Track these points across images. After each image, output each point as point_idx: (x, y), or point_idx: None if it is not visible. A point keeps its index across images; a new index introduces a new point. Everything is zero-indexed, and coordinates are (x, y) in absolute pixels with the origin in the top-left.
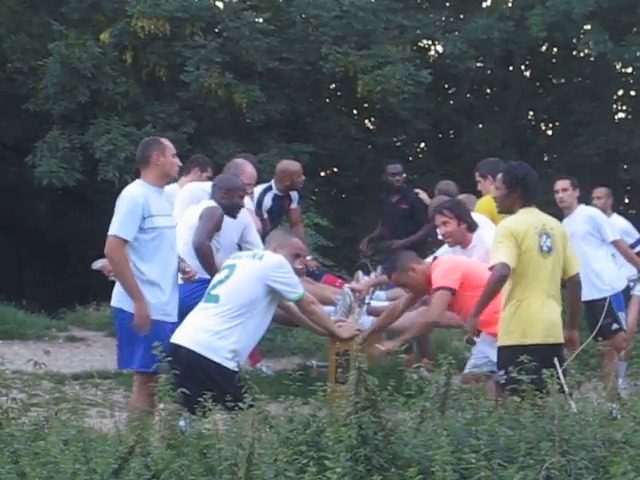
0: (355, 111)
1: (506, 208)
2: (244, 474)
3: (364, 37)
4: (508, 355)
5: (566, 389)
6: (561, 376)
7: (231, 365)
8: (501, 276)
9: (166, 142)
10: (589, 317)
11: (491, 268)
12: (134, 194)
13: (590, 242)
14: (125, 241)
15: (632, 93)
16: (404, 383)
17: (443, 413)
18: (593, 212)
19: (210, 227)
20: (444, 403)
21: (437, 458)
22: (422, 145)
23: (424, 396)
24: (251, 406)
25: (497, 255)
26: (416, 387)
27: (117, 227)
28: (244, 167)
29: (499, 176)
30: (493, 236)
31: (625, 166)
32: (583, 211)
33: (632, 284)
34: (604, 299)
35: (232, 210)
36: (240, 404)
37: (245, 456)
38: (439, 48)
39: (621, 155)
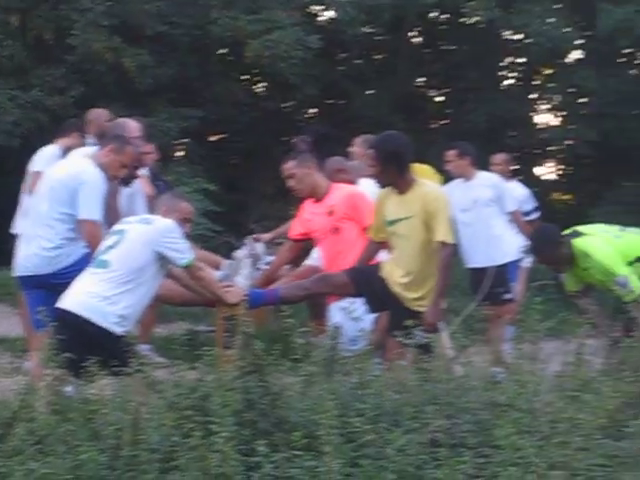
0: (245, 76)
1: (386, 183)
2: (130, 439)
3: (254, 2)
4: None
5: (451, 353)
6: (446, 340)
7: (119, 330)
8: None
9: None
10: (478, 283)
11: (445, 245)
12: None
13: (492, 209)
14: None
15: (519, 60)
16: (291, 347)
17: (329, 377)
18: (497, 180)
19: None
20: (330, 367)
21: (323, 422)
22: (312, 110)
23: (310, 360)
24: (137, 371)
25: (449, 232)
26: (303, 351)
27: (93, 210)
28: (127, 124)
29: (370, 152)
30: (441, 205)
31: (512, 133)
32: (486, 178)
33: (522, 256)
34: (502, 266)
35: (126, 180)
36: (126, 369)
37: (130, 421)
38: (329, 13)
39: (508, 122)
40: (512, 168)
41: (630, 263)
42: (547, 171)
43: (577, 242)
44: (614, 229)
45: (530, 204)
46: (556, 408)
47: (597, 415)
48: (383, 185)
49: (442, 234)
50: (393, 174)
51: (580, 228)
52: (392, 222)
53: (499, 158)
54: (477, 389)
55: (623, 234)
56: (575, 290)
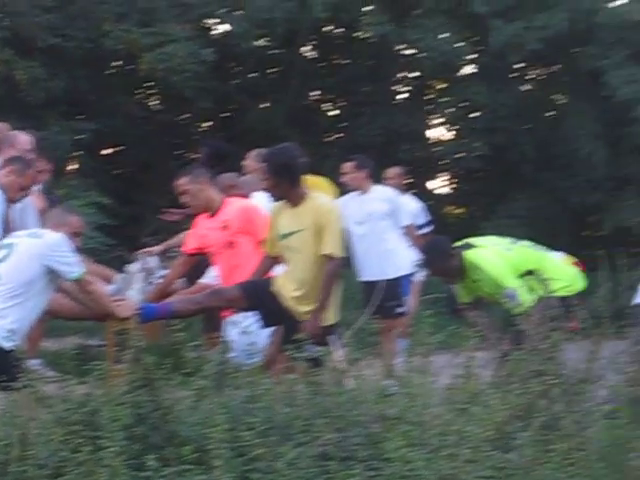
0: (139, 89)
1: (279, 196)
2: (18, 454)
3: (147, 15)
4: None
5: (342, 366)
6: (338, 353)
7: (7, 345)
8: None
9: None
10: (371, 296)
11: (332, 258)
12: None
13: (386, 223)
14: None
15: (413, 75)
16: (182, 361)
17: (220, 391)
18: (392, 194)
19: None
20: (221, 381)
21: (213, 436)
22: (206, 124)
23: (201, 374)
24: (26, 386)
25: (338, 245)
26: (194, 365)
27: None
28: (17, 137)
29: (263, 165)
30: (332, 218)
31: (406, 146)
32: (381, 192)
33: (416, 269)
34: (395, 279)
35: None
36: (15, 384)
37: (19, 436)
38: (224, 27)
39: (402, 135)
40: (406, 182)
41: (521, 276)
42: (440, 185)
43: (468, 254)
44: (506, 242)
45: (423, 218)
46: (445, 420)
47: (485, 427)
48: (276, 198)
49: (329, 247)
50: (285, 187)
51: (472, 240)
52: (285, 235)
53: (393, 172)
54: (368, 402)
55: (514, 247)
56: (467, 302)
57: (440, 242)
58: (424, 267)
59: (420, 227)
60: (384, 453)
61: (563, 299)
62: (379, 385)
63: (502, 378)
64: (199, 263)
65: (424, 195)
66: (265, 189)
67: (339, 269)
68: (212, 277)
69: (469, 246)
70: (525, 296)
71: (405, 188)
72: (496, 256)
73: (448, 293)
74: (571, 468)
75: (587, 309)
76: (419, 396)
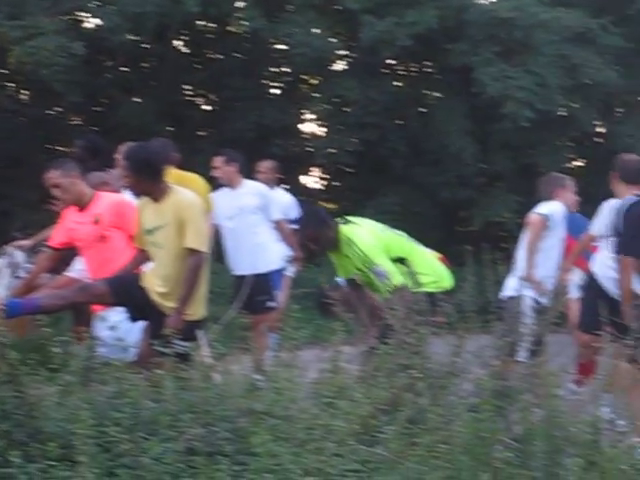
0: (9, 82)
1: (141, 192)
2: None
3: (16, 7)
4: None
5: (209, 361)
6: (205, 348)
7: None
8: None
9: None
10: (241, 289)
11: (194, 252)
12: None
13: (257, 217)
14: None
15: (285, 70)
16: (48, 357)
17: (86, 387)
18: (263, 188)
19: None
20: (87, 376)
21: (78, 432)
22: (77, 118)
23: (67, 370)
24: None
25: (200, 239)
26: (60, 361)
27: None
28: None
29: (124, 163)
30: (193, 212)
31: (279, 141)
32: (252, 186)
33: (286, 264)
34: (266, 274)
35: None
36: None
37: None
38: (95, 21)
39: (275, 130)
40: (278, 176)
41: (392, 260)
42: (313, 180)
43: (344, 229)
44: (381, 226)
45: (295, 213)
46: (312, 415)
47: (351, 421)
48: (138, 194)
49: (191, 241)
50: (147, 183)
51: (350, 217)
52: (149, 231)
53: (265, 166)
54: (235, 397)
55: (388, 232)
56: (347, 278)
57: (319, 210)
58: (299, 229)
59: (292, 222)
60: (250, 447)
61: (430, 294)
62: (246, 380)
63: (368, 372)
64: (65, 257)
65: (297, 190)
66: (127, 186)
67: (202, 263)
68: (78, 270)
69: (346, 221)
70: (395, 276)
71: (277, 182)
72: (370, 234)
73: (317, 288)
74: (436, 461)
75: (453, 303)
76: (286, 390)
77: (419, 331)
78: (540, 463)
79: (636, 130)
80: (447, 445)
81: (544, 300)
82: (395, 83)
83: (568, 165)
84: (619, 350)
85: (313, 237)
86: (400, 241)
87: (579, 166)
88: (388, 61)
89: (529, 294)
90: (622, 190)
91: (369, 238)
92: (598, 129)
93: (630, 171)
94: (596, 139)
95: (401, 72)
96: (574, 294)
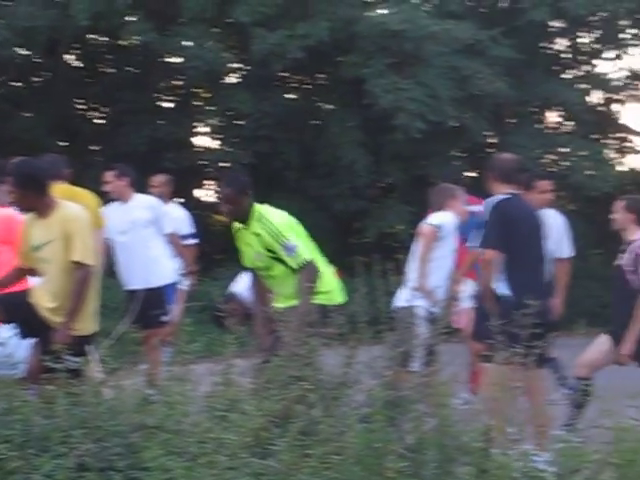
0: None
1: (27, 208)
2: None
3: None
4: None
5: (100, 376)
6: (95, 363)
7: None
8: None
9: None
10: (132, 304)
11: (81, 265)
12: None
13: (149, 231)
14: None
15: (178, 83)
16: None
17: None
18: (154, 202)
19: None
20: None
21: None
22: None
23: None
24: None
25: (87, 252)
26: None
27: None
28: None
29: (10, 179)
30: (79, 225)
31: (172, 155)
32: (144, 200)
33: (180, 278)
34: (160, 288)
35: None
36: None
37: None
38: None
39: (168, 144)
40: (171, 190)
41: None
42: (206, 193)
43: (258, 206)
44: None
45: (188, 228)
46: (204, 428)
47: (243, 434)
48: (23, 210)
49: (78, 254)
50: (32, 199)
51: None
52: (37, 247)
53: (158, 180)
54: (127, 412)
55: (299, 227)
56: (252, 267)
57: (244, 179)
58: (220, 191)
59: (185, 237)
60: (143, 462)
61: (322, 306)
62: (138, 394)
63: (261, 385)
64: None
65: (191, 204)
66: (12, 202)
67: (89, 277)
68: None
69: (262, 203)
70: (304, 251)
71: (170, 196)
72: (282, 217)
73: (213, 301)
74: (328, 472)
75: (344, 315)
76: (178, 404)
77: (311, 343)
78: (432, 472)
79: (527, 140)
80: (339, 456)
81: (436, 310)
82: (288, 95)
83: (460, 176)
84: (511, 357)
85: (230, 199)
86: (307, 241)
87: (472, 177)
88: (281, 74)
89: (421, 304)
90: (498, 189)
91: (280, 217)
92: (490, 140)
93: (506, 170)
94: (488, 150)
95: (294, 84)
96: (467, 304)
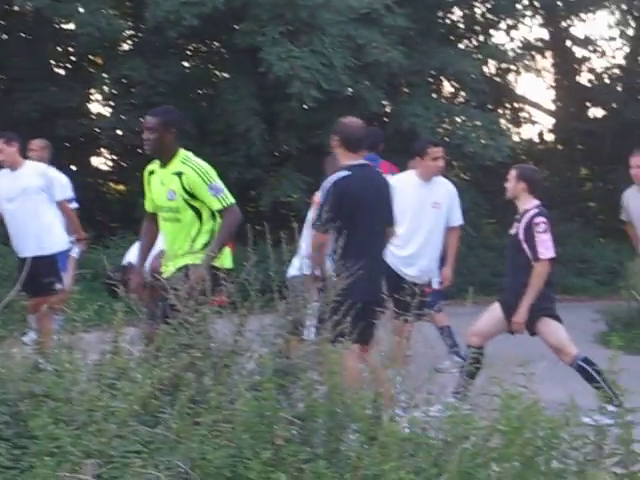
0: None
1: None
2: None
3: None
4: None
5: None
6: None
7: None
8: None
9: None
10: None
11: None
12: None
13: (41, 197)
14: None
15: (71, 50)
16: None
17: None
18: (45, 168)
19: None
20: None
21: None
22: None
23: None
24: None
25: None
26: None
27: None
28: None
29: None
30: None
31: (65, 122)
32: (35, 166)
33: (71, 246)
34: (52, 255)
35: None
36: None
37: None
38: None
39: (60, 111)
40: (49, 155)
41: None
42: (102, 161)
43: (183, 150)
44: None
45: (70, 192)
46: (92, 397)
47: (132, 402)
48: None
49: None
50: None
51: None
52: None
53: (36, 144)
54: (15, 380)
55: None
56: (155, 211)
57: (175, 114)
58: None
59: (68, 202)
60: (30, 431)
61: (213, 274)
62: (27, 362)
63: (150, 353)
64: None
65: (87, 171)
66: None
67: None
68: None
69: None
70: (229, 195)
71: (49, 162)
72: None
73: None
74: (218, 440)
75: (236, 283)
76: (67, 373)
77: (201, 310)
78: (322, 439)
79: (422, 110)
80: (229, 424)
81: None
82: (183, 63)
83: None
84: (401, 326)
85: (154, 128)
86: None
87: None
88: (176, 41)
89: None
90: (341, 157)
91: (205, 164)
92: (386, 109)
93: (351, 137)
94: (384, 119)
95: (189, 52)
96: None
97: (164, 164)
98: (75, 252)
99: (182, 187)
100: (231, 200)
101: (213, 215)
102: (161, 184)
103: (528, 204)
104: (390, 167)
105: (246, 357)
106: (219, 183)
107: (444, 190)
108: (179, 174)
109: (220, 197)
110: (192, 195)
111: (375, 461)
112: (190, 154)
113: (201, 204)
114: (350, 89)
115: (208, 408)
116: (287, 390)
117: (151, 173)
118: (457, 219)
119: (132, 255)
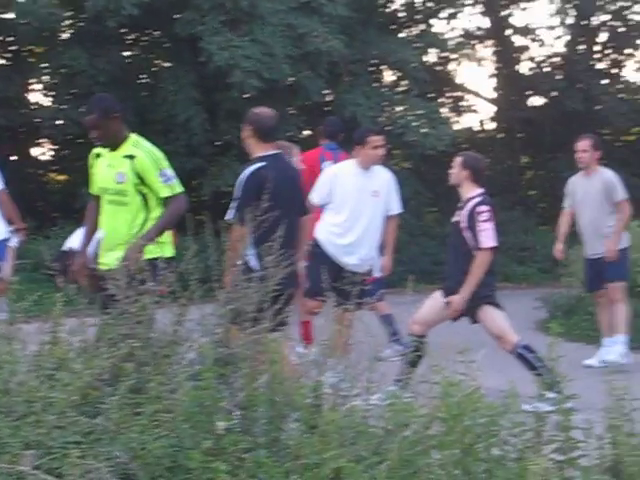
0: None
1: None
2: None
3: None
4: None
5: None
6: None
7: None
8: None
9: None
10: None
11: None
12: None
13: None
14: None
15: (9, 39)
16: None
17: None
18: None
19: None
20: None
21: None
22: None
23: None
24: None
25: None
26: None
27: None
28: None
29: None
30: None
31: (1, 112)
32: None
33: (10, 235)
34: None
35: None
36: None
37: None
38: None
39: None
40: None
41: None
42: (42, 151)
43: (133, 134)
44: None
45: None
46: (31, 387)
47: (71, 393)
48: None
49: None
50: None
51: None
52: None
53: None
54: None
55: None
56: (101, 193)
57: (109, 99)
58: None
59: None
60: None
61: (152, 265)
62: None
63: (90, 343)
64: None
65: (28, 162)
66: None
67: None
68: None
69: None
70: (178, 185)
71: None
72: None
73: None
74: (158, 430)
75: (176, 272)
76: (6, 364)
77: (142, 300)
78: (262, 429)
79: (363, 99)
80: (170, 414)
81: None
82: (124, 53)
83: (298, 134)
84: (342, 315)
85: (96, 125)
86: None
87: (310, 135)
88: (117, 31)
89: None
90: (254, 147)
91: (156, 150)
92: (327, 98)
93: (264, 127)
94: (325, 108)
95: (130, 42)
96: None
97: (114, 149)
98: (14, 242)
99: (133, 170)
100: (180, 189)
101: (160, 204)
102: (109, 166)
103: (471, 192)
104: (348, 157)
105: (186, 347)
106: (170, 171)
107: (383, 179)
108: (131, 157)
109: (169, 185)
110: (141, 180)
111: (315, 450)
112: (141, 138)
113: (149, 191)
114: (291, 78)
115: (148, 398)
116: (228, 379)
117: (98, 156)
118: (396, 207)
119: (74, 240)
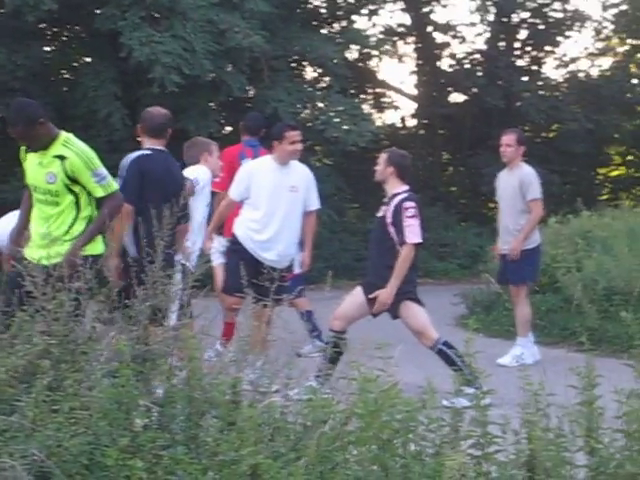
0: None
1: None
2: None
3: None
4: None
5: None
6: None
7: None
8: None
9: None
10: None
11: None
12: None
13: None
14: None
15: None
16: None
17: None
18: None
19: None
20: None
21: None
22: None
23: None
24: None
25: None
26: None
27: None
28: None
29: None
30: None
31: None
32: None
33: None
34: None
35: None
36: None
37: None
38: None
39: None
40: None
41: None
42: None
43: (64, 133)
44: None
45: None
46: None
47: None
48: None
49: None
50: None
51: None
52: None
53: None
54: None
55: None
56: (33, 188)
57: (30, 105)
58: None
59: None
60: None
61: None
62: None
63: (5, 340)
64: None
65: None
66: None
67: None
68: None
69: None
70: (113, 182)
71: None
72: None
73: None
74: (75, 427)
75: (95, 269)
76: None
77: (59, 297)
78: (180, 425)
79: (285, 95)
80: (87, 411)
81: (190, 264)
82: (43, 48)
83: (220, 130)
84: (260, 311)
85: (22, 135)
86: None
87: (232, 131)
88: (37, 26)
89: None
90: (146, 143)
91: (88, 149)
92: (249, 94)
93: (155, 125)
94: (246, 104)
95: (49, 37)
96: (217, 260)
97: (44, 150)
98: None
99: (63, 171)
100: (114, 187)
101: (91, 202)
102: (39, 165)
103: (397, 188)
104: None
105: (104, 344)
106: (103, 169)
107: (301, 174)
108: (61, 157)
109: (103, 184)
110: (73, 180)
111: (233, 446)
112: (72, 136)
113: (81, 189)
114: (212, 74)
115: (65, 395)
116: (146, 376)
117: (28, 150)
118: (315, 203)
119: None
